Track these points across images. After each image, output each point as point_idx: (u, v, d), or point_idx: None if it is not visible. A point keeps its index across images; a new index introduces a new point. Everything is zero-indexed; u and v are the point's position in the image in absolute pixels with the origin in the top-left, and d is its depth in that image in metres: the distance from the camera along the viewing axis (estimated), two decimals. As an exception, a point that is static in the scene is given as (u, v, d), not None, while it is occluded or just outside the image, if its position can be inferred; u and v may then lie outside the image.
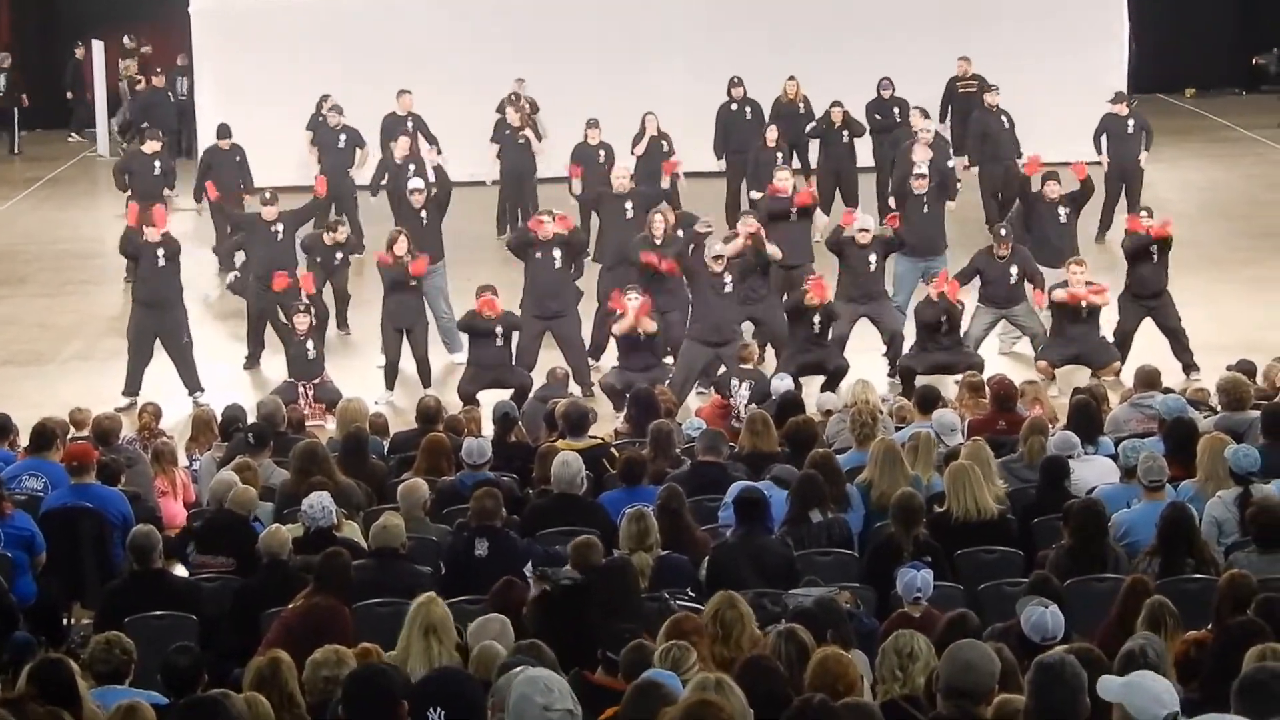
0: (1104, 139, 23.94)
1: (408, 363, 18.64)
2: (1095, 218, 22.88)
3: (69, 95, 34.16)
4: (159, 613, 10.70)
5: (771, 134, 23.66)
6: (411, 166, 22.54)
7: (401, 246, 18.39)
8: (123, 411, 16.70)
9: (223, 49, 28.52)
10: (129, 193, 23.40)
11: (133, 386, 18.29)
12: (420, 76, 27.21)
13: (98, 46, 32.05)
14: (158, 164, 23.61)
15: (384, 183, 22.81)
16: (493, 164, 24.62)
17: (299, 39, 28.26)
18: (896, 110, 25.27)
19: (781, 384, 15.46)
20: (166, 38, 33.04)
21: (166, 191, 23.27)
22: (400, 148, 22.64)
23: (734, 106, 25.19)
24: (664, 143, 24.06)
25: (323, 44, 28.12)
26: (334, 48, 28.01)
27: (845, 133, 24.45)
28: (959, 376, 17.04)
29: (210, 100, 28.45)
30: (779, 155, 23.30)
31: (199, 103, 29.07)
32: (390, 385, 18.51)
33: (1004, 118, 24.32)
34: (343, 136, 24.60)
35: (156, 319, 18.44)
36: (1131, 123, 23.87)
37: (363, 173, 24.24)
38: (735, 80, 25.25)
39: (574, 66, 27.13)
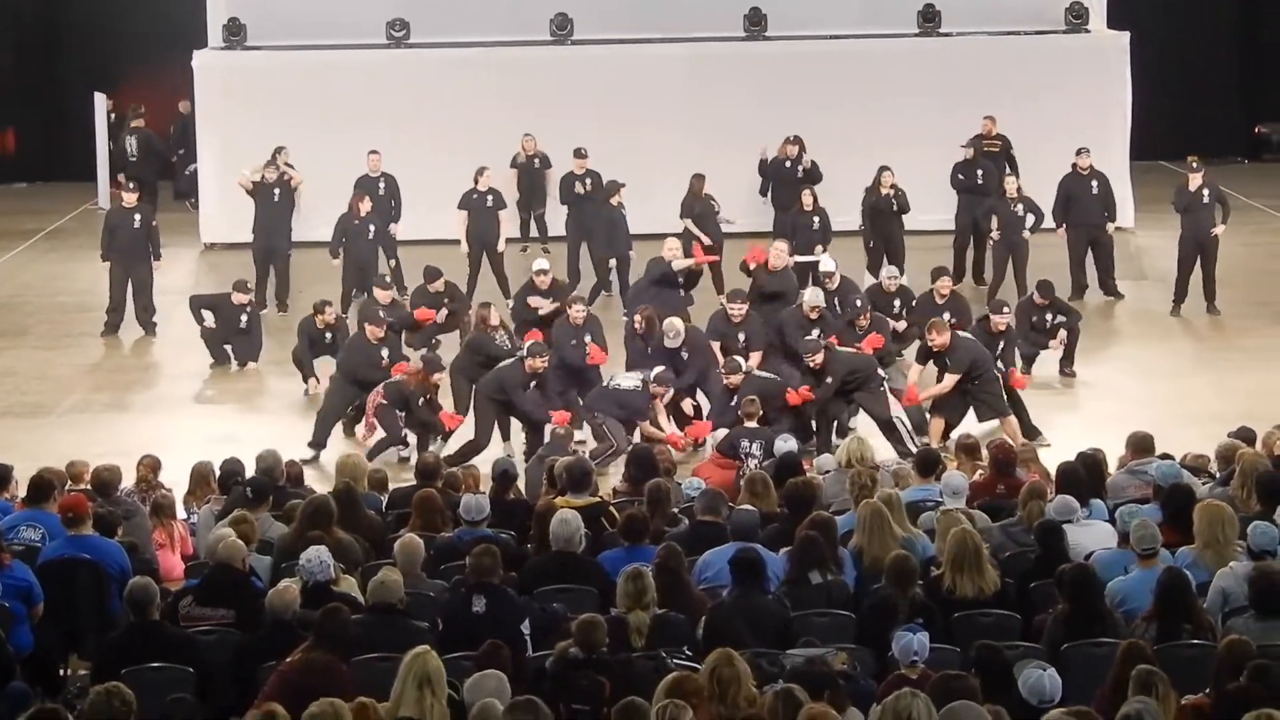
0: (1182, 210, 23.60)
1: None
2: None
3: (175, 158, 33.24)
4: (156, 664, 10.68)
5: (808, 198, 23.60)
6: (372, 227, 22.89)
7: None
8: (306, 463, 16.93)
9: (225, 104, 28.58)
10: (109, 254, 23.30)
11: (321, 439, 18.41)
12: (425, 133, 27.43)
13: (100, 100, 32.10)
14: (137, 217, 23.37)
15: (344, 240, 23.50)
16: (460, 230, 24.32)
17: (303, 93, 28.32)
18: (980, 172, 25.27)
19: (784, 445, 15.41)
20: (167, 90, 33.28)
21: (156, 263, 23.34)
22: (362, 205, 23.39)
23: (788, 164, 25.31)
24: (714, 204, 24.14)
25: (325, 99, 28.18)
26: (336, 103, 28.10)
27: (894, 204, 24.19)
28: (954, 438, 17.02)
29: (211, 154, 28.57)
30: (815, 219, 23.31)
31: (201, 157, 29.15)
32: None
33: (1093, 182, 24.26)
34: (381, 184, 25.08)
35: (356, 393, 18.59)
36: (1206, 193, 23.46)
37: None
38: (791, 139, 25.34)
39: (579, 125, 27.16)
